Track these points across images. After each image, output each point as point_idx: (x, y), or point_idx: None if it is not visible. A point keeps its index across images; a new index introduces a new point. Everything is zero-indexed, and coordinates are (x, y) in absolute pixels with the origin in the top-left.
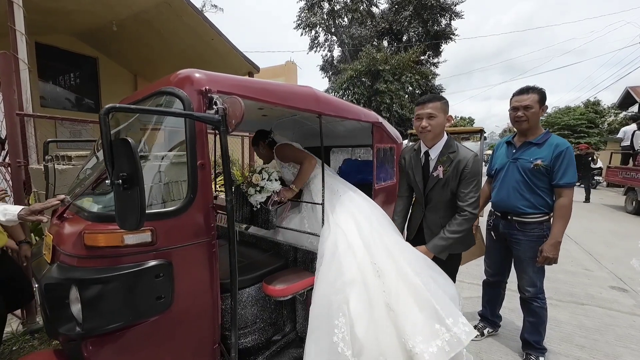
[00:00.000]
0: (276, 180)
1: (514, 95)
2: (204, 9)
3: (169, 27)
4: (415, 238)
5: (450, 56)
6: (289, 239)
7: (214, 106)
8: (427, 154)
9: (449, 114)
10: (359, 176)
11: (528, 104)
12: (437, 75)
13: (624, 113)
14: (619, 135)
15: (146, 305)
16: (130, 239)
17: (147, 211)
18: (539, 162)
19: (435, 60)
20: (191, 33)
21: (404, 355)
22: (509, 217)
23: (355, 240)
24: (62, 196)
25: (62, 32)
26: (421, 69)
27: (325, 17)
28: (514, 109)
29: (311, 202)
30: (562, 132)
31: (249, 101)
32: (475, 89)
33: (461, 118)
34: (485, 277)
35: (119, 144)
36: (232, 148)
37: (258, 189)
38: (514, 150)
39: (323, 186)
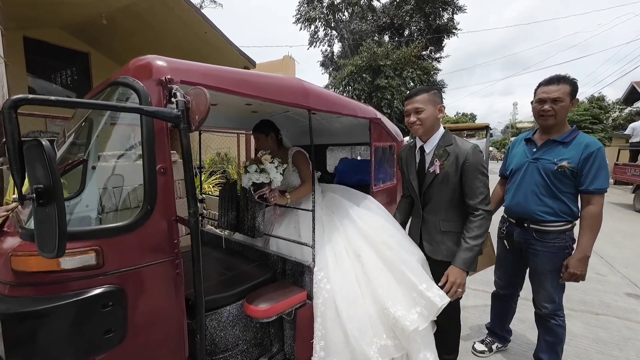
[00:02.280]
0: (280, 174)
1: (541, 85)
2: (202, 4)
3: (161, 20)
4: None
5: (452, 51)
6: (278, 248)
7: (172, 99)
8: (422, 149)
9: (441, 104)
10: (356, 177)
11: (558, 96)
12: (439, 70)
13: (629, 108)
14: (627, 131)
15: (90, 342)
16: (69, 262)
17: (91, 227)
18: (564, 163)
19: (437, 55)
20: (184, 26)
21: (390, 324)
22: (526, 225)
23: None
24: (14, 204)
25: (51, 26)
26: (423, 64)
27: (325, 12)
28: (539, 102)
29: (300, 208)
30: None
31: (233, 96)
32: (477, 84)
33: (463, 114)
34: (494, 289)
35: (30, 148)
36: (227, 146)
37: (260, 168)
38: (534, 149)
39: (313, 190)
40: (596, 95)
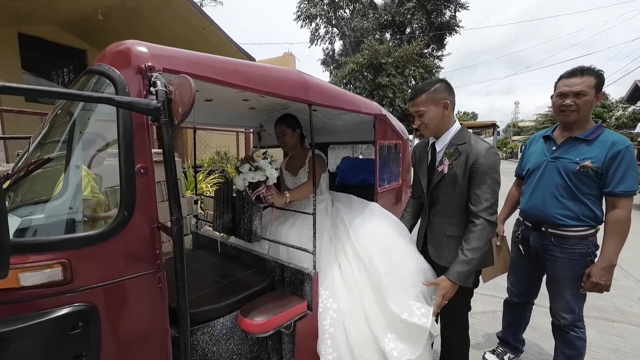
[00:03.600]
0: (275, 169)
1: (562, 77)
2: (202, 2)
3: (158, 15)
4: (422, 251)
5: (453, 49)
6: (277, 253)
7: (152, 88)
8: (433, 147)
9: (446, 99)
10: (359, 177)
11: (581, 89)
12: (441, 68)
13: (633, 107)
14: (638, 129)
15: None
16: (31, 278)
17: (58, 237)
18: (587, 163)
19: (439, 53)
20: (181, 22)
21: (381, 354)
22: (543, 229)
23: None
24: None
25: (47, 22)
26: (425, 62)
27: (326, 9)
28: (560, 96)
29: (299, 211)
30: None
31: (228, 91)
32: (478, 83)
33: (464, 113)
34: (507, 296)
35: None
36: (227, 144)
37: (253, 167)
38: (554, 147)
39: (314, 192)
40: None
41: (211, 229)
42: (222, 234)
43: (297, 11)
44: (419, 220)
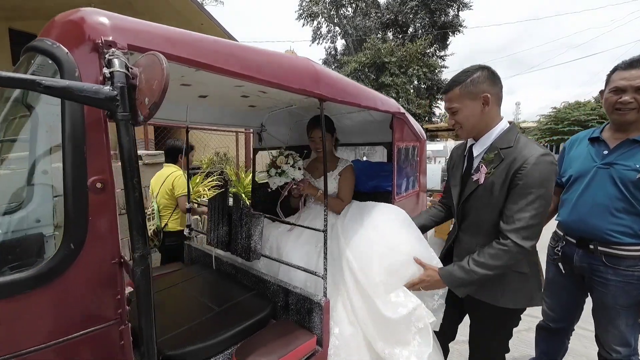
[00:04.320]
0: (299, 169)
1: (618, 69)
2: (204, 1)
3: (154, 10)
4: (444, 263)
5: (456, 49)
6: (280, 274)
7: (105, 70)
8: (470, 150)
9: (486, 92)
10: (371, 183)
11: None
12: (445, 67)
13: None
14: None
15: None
16: None
17: None
18: None
19: (442, 53)
20: (179, 17)
21: None
22: (592, 247)
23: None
24: None
25: (39, 18)
26: (428, 61)
27: (328, 7)
28: (616, 91)
29: (309, 228)
30: (572, 128)
31: (224, 85)
32: None
33: None
34: (542, 320)
35: None
36: (226, 145)
37: (279, 171)
38: (605, 152)
39: (326, 204)
40: None
41: (206, 241)
42: (216, 249)
43: (299, 9)
44: (447, 233)
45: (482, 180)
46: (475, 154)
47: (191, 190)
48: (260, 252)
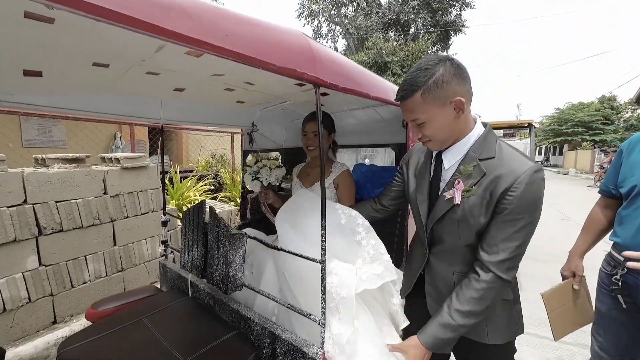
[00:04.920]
0: (275, 174)
1: None
2: None
3: None
4: (412, 295)
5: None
6: (265, 309)
7: None
8: (438, 158)
9: (457, 96)
10: (377, 190)
11: None
12: None
13: None
14: None
15: None
16: None
17: None
18: None
19: (445, 53)
20: None
21: None
22: None
23: None
24: None
25: None
26: None
27: (329, 6)
28: None
29: (302, 257)
30: (576, 129)
31: (199, 71)
32: (479, 85)
33: None
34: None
35: None
36: (222, 146)
37: (252, 173)
38: None
39: (324, 224)
40: (607, 95)
41: (180, 264)
42: (191, 274)
43: (299, 8)
44: (411, 249)
45: (458, 200)
46: (446, 166)
47: (182, 195)
48: (241, 282)
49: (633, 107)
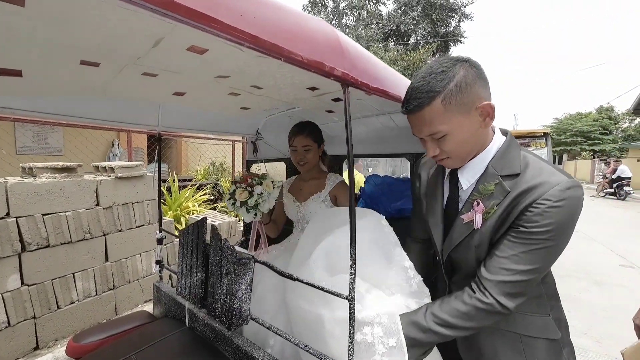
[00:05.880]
0: (261, 203)
1: None
2: None
3: None
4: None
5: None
6: (275, 347)
7: None
8: (453, 176)
9: (484, 99)
10: (395, 204)
11: None
12: None
13: (639, 119)
14: None
15: None
16: None
17: None
18: None
19: None
20: None
21: None
22: None
23: None
24: None
25: None
26: None
27: (330, 15)
28: None
29: (328, 291)
30: (575, 139)
31: (199, 73)
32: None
33: None
34: None
35: None
36: (222, 154)
37: (246, 206)
38: None
39: (353, 252)
40: (605, 105)
41: (176, 290)
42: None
43: None
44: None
45: (478, 224)
46: (464, 185)
47: (180, 205)
48: (247, 315)
49: (630, 117)
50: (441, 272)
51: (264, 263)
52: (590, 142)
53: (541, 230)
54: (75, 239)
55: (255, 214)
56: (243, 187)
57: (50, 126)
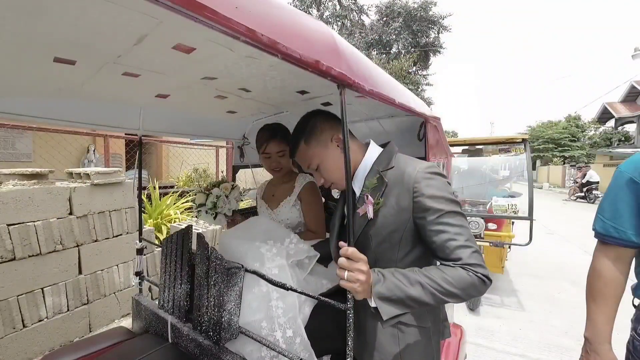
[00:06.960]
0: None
1: None
2: None
3: None
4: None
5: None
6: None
7: None
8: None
9: (333, 132)
10: None
11: None
12: (430, 85)
13: (603, 127)
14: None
15: None
16: None
17: None
18: None
19: (425, 72)
20: None
21: None
22: None
23: None
24: None
25: None
26: (413, 78)
27: None
28: None
29: (328, 301)
30: (547, 145)
31: (184, 73)
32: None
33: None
34: None
35: None
36: (205, 161)
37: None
38: None
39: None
40: (572, 114)
41: (158, 303)
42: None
43: None
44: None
45: (371, 214)
46: (357, 192)
47: (161, 213)
48: (237, 328)
49: (596, 126)
50: None
51: (254, 272)
52: (560, 148)
53: (431, 199)
54: (45, 251)
55: (215, 216)
56: (202, 192)
57: (18, 130)
